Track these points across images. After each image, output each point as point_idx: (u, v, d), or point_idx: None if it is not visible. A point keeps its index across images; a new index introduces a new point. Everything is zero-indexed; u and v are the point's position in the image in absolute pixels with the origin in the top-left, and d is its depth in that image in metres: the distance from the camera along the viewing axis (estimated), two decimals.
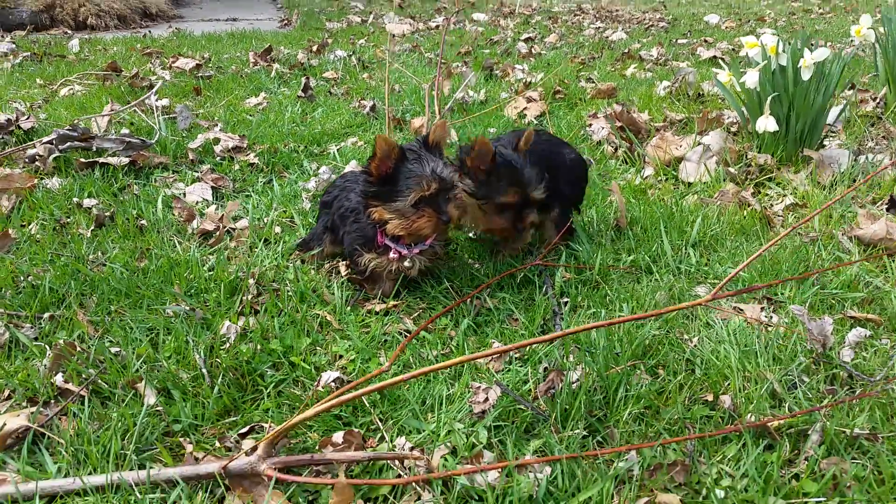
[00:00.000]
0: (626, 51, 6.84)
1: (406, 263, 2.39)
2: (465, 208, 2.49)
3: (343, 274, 2.53)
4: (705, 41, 7.51)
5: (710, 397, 1.91)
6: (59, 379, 1.95)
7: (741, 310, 2.33)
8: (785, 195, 3.30)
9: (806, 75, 3.52)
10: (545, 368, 2.00)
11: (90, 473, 1.67)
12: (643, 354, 2.09)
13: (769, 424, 1.74)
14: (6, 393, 1.96)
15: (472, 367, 2.06)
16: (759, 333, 2.15)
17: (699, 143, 3.72)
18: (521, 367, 2.06)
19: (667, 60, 6.52)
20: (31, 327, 2.22)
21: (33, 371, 2.00)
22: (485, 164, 2.44)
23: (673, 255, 2.72)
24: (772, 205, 3.24)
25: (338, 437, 1.72)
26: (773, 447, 1.72)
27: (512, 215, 2.51)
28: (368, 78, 5.66)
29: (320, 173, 3.40)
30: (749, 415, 1.82)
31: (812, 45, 3.55)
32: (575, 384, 1.89)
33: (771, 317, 2.30)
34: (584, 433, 1.78)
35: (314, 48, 6.69)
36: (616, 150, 3.98)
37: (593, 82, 5.53)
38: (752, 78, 3.66)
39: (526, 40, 7.48)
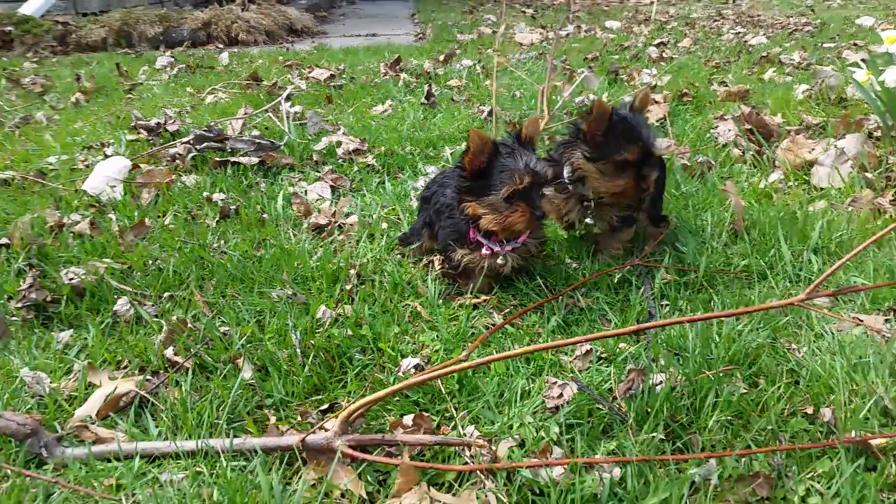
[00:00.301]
0: (764, 55, 6.51)
1: (499, 261, 2.40)
2: (570, 198, 2.49)
3: (437, 268, 2.58)
4: (854, 44, 7.00)
5: (810, 410, 1.79)
6: (169, 352, 2.13)
7: (861, 320, 2.16)
8: None
9: None
10: (629, 369, 1.95)
11: (186, 439, 1.80)
12: (743, 361, 1.99)
13: (871, 442, 1.61)
14: (125, 362, 2.16)
15: (557, 364, 2.04)
16: (879, 346, 1.99)
17: (832, 146, 3.48)
18: (605, 367, 2.02)
19: (809, 64, 6.14)
20: (153, 305, 2.43)
21: (149, 344, 2.19)
22: (602, 127, 2.40)
23: (792, 260, 2.56)
24: None
25: (408, 419, 1.77)
26: (875, 467, 1.59)
27: (633, 174, 2.43)
28: (490, 85, 5.72)
29: (429, 173, 3.48)
30: (851, 431, 1.69)
31: None
32: (659, 385, 1.83)
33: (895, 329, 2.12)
34: (663, 437, 1.72)
35: (441, 58, 6.85)
36: (743, 153, 3.80)
37: (726, 85, 5.30)
38: (892, 76, 3.39)
39: (658, 45, 7.29)
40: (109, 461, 1.73)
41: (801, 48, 6.90)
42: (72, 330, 2.31)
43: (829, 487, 1.54)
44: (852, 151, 3.44)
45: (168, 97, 5.63)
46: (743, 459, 1.62)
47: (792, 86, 5.18)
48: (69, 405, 1.97)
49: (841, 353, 1.93)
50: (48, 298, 2.45)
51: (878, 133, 3.84)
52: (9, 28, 8.40)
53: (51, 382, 2.03)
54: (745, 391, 1.85)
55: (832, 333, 2.07)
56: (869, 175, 3.28)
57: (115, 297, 2.44)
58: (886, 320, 2.15)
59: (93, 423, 1.88)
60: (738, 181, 3.41)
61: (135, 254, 2.75)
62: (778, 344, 2.09)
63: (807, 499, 1.53)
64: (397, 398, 1.92)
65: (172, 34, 9.02)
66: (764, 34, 8.11)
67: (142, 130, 4.30)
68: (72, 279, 2.51)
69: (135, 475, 1.67)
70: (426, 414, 1.80)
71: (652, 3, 11.79)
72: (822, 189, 3.34)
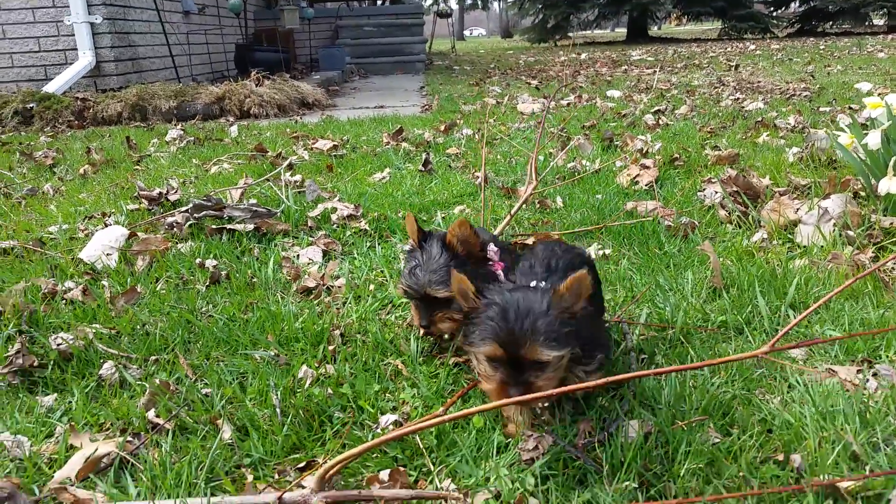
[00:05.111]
0: (759, 119, 6.63)
1: None
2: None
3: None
4: (850, 108, 7.12)
5: (780, 457, 1.78)
6: (151, 414, 2.15)
7: (835, 371, 2.17)
8: None
9: None
10: (604, 420, 1.96)
11: (165, 498, 1.80)
12: (716, 413, 1.99)
13: (839, 485, 1.60)
14: (108, 425, 2.17)
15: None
16: (850, 396, 1.99)
17: (815, 206, 3.52)
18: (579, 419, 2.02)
19: (804, 128, 6.24)
20: (138, 368, 2.46)
21: (132, 407, 2.21)
22: None
23: (769, 316, 2.58)
24: (893, 269, 2.99)
25: (384, 474, 1.77)
26: None
27: None
28: (488, 153, 5.84)
29: None
30: (821, 475, 1.68)
31: None
32: (631, 438, 1.83)
33: (867, 380, 2.11)
34: (636, 486, 1.71)
35: (442, 128, 7.02)
36: (730, 214, 3.85)
37: (719, 150, 5.39)
38: (874, 139, 3.47)
39: (654, 112, 7.44)
40: None
41: (797, 112, 7.02)
42: (56, 394, 2.34)
43: None
44: (836, 210, 3.47)
45: (174, 168, 5.79)
46: None
47: (783, 149, 5.27)
48: (49, 468, 1.99)
49: (811, 402, 1.93)
50: (35, 364, 2.49)
51: (865, 193, 3.89)
52: (31, 105, 8.73)
53: (31, 446, 2.05)
54: (717, 440, 1.85)
55: (805, 384, 2.06)
56: (851, 233, 3.30)
57: (102, 361, 2.48)
58: (859, 371, 2.15)
59: (72, 486, 1.89)
60: (723, 241, 3.45)
61: (124, 319, 2.79)
62: (752, 396, 2.09)
63: None
64: (376, 455, 1.92)
65: (186, 108, 9.32)
66: (762, 100, 8.26)
67: (143, 200, 4.41)
68: (59, 344, 2.55)
69: None
70: (403, 469, 1.80)
71: (654, 72, 12.07)
72: (804, 247, 3.36)
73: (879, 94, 8.26)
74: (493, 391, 1.81)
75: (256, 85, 10.27)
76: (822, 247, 3.28)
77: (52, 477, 1.92)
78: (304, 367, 2.31)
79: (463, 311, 2.10)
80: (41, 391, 2.39)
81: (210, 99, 9.55)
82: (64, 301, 3.00)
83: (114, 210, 4.32)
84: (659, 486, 1.72)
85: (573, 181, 4.48)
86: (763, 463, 1.79)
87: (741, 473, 1.72)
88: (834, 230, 3.36)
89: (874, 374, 2.15)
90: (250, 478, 1.85)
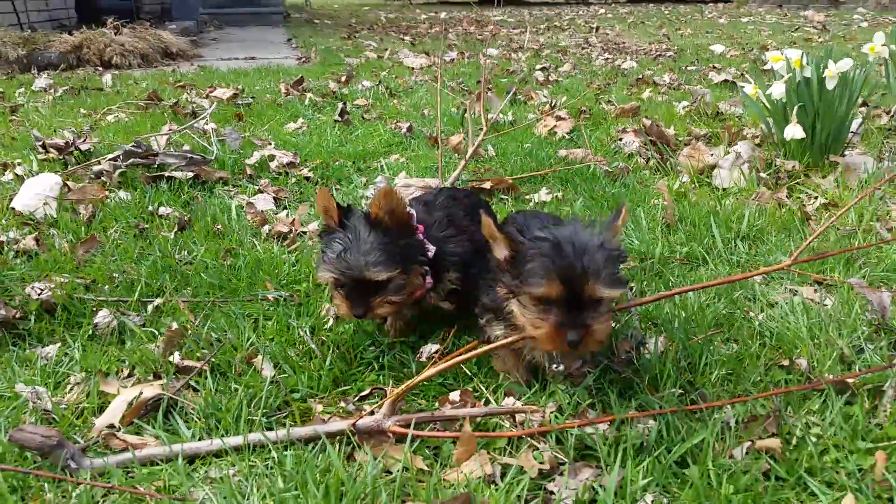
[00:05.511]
0: (639, 77, 7.10)
1: None
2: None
3: None
4: (714, 67, 7.78)
5: (785, 362, 2.06)
6: (175, 357, 2.10)
7: (796, 291, 2.50)
8: (816, 196, 3.48)
9: (831, 85, 3.74)
10: (626, 339, 2.17)
11: (223, 436, 1.80)
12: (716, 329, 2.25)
13: (848, 380, 1.89)
14: (125, 372, 2.09)
15: None
16: (820, 310, 2.31)
17: (730, 152, 3.92)
18: None
19: (680, 85, 6.77)
20: (137, 315, 2.37)
21: (147, 352, 2.14)
22: None
23: (723, 247, 2.89)
24: (805, 205, 3.41)
25: (454, 395, 1.87)
26: (853, 402, 1.86)
27: None
28: (398, 104, 5.88)
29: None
30: (828, 374, 1.97)
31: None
32: (661, 352, 2.04)
33: (825, 297, 2.46)
34: (681, 392, 1.92)
35: (342, 79, 6.94)
36: (648, 161, 4.18)
37: (613, 104, 5.75)
38: (778, 89, 3.87)
39: (542, 69, 7.75)
40: (151, 465, 1.70)
41: (669, 70, 7.58)
42: (59, 344, 2.21)
43: (823, 419, 1.79)
44: (746, 155, 3.88)
45: (60, 118, 5.35)
46: (748, 405, 1.85)
47: (672, 104, 5.72)
48: (76, 417, 1.91)
49: (804, 314, 2.24)
50: (17, 315, 2.33)
51: (758, 141, 4.35)
52: None
53: (52, 396, 1.95)
54: (727, 352, 2.11)
55: (781, 302, 2.38)
56: (763, 175, 3.72)
57: (94, 309, 2.36)
58: (815, 291, 2.50)
59: (118, 431, 1.83)
60: (648, 185, 3.75)
61: (96, 268, 2.65)
62: (739, 314, 2.37)
63: (809, 429, 1.76)
64: (424, 382, 2.01)
65: (38, 57, 8.51)
66: (632, 59, 8.80)
67: (51, 150, 4.08)
68: (40, 294, 2.39)
69: (185, 475, 1.65)
70: (468, 389, 1.91)
71: (522, 33, 12.45)
72: (724, 189, 3.74)
73: (731, 56, 9.00)
74: (546, 337, 1.66)
75: (116, 33, 9.55)
76: (741, 188, 3.67)
77: (92, 425, 1.85)
78: (327, 305, 2.33)
79: (401, 293, 2.01)
80: (30, 343, 2.25)
81: (66, 48, 8.77)
82: (14, 252, 2.79)
83: (20, 160, 3.98)
84: (693, 394, 1.94)
85: (500, 134, 4.64)
86: (769, 369, 2.06)
87: (758, 378, 1.98)
88: (751, 173, 3.76)
89: (828, 293, 2.50)
90: (319, 407, 1.88)
